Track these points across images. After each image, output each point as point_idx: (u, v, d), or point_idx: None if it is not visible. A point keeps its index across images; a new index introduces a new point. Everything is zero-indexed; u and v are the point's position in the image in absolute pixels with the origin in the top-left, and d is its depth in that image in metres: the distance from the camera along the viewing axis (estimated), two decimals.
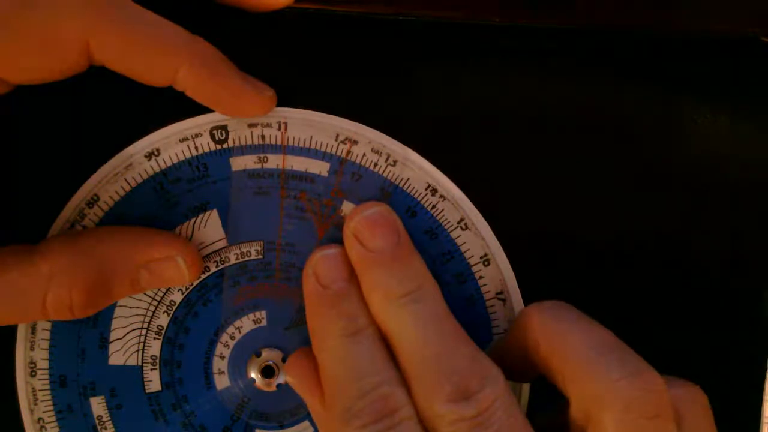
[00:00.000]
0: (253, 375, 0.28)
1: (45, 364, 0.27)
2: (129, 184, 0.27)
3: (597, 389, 0.23)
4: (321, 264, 0.26)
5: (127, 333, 0.28)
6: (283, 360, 0.28)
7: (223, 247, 0.28)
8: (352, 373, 0.25)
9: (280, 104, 0.26)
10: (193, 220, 0.27)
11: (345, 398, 0.24)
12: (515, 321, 0.26)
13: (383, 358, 0.25)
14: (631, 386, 0.23)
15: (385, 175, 0.27)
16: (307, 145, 0.27)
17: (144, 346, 0.28)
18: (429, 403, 0.24)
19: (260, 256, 0.28)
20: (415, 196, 0.27)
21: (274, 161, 0.27)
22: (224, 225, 0.27)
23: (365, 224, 0.26)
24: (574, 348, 0.24)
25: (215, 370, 0.28)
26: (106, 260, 0.25)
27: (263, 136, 0.27)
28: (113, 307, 0.27)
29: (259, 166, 0.27)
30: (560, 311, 0.25)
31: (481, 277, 0.28)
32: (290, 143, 0.27)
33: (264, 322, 0.28)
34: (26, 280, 0.24)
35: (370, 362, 0.25)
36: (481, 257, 0.28)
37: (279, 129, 0.27)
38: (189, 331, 0.28)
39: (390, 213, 0.26)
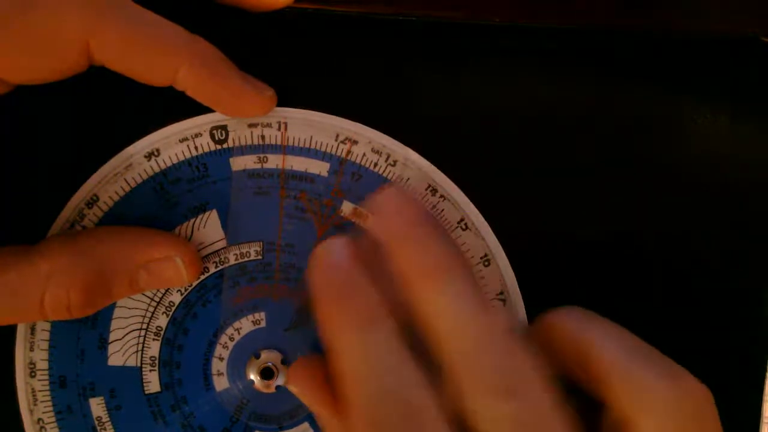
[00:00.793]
0: (252, 376, 0.28)
1: (45, 365, 0.27)
2: (129, 184, 0.27)
3: (636, 393, 0.22)
4: (326, 254, 0.23)
5: (127, 334, 0.28)
6: (283, 362, 0.28)
7: (223, 248, 0.27)
8: (370, 371, 0.22)
9: (280, 104, 0.26)
10: (192, 220, 0.27)
11: (362, 399, 0.22)
12: (531, 332, 0.25)
13: (403, 352, 0.22)
14: (669, 388, 0.22)
15: (385, 175, 0.27)
16: (307, 145, 0.27)
17: (143, 347, 0.28)
18: (470, 399, 0.22)
19: (260, 257, 0.28)
20: (415, 196, 0.27)
21: (274, 161, 0.27)
22: (224, 225, 0.27)
23: (389, 201, 0.23)
24: (607, 354, 0.23)
25: (214, 371, 0.28)
26: (106, 260, 0.25)
27: (263, 136, 0.27)
28: (112, 307, 0.27)
29: (259, 166, 0.27)
30: (584, 317, 0.24)
31: (481, 278, 0.28)
32: (290, 143, 0.27)
33: (263, 324, 0.28)
34: (24, 280, 0.24)
35: (388, 356, 0.22)
36: (481, 257, 0.28)
37: (279, 129, 0.27)
38: (188, 332, 0.28)
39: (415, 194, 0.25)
